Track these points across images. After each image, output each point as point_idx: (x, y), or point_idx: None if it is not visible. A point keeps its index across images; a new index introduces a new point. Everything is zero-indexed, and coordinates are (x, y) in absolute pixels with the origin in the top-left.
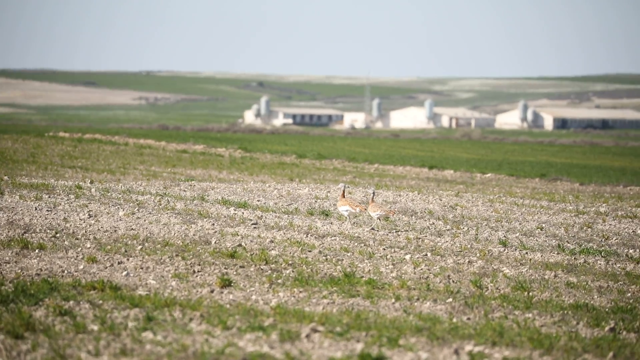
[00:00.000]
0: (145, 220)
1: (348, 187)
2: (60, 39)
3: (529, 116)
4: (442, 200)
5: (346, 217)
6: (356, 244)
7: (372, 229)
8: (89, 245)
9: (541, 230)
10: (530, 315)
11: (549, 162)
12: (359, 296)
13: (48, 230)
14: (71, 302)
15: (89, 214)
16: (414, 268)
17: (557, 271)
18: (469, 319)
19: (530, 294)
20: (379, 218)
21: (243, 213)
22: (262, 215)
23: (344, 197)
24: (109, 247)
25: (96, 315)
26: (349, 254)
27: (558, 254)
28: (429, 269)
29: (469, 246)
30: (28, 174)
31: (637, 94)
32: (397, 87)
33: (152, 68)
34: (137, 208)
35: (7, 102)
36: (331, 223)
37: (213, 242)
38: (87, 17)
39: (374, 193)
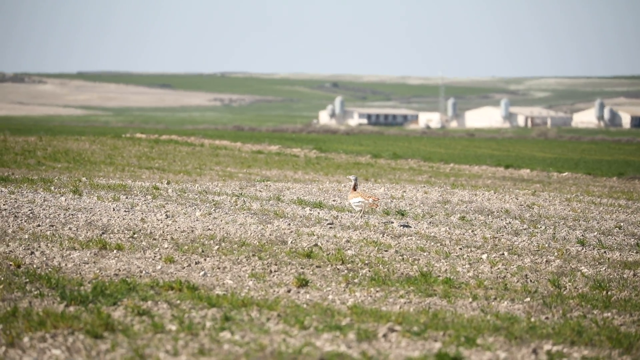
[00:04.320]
0: (221, 221)
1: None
2: (136, 42)
3: (606, 115)
4: (519, 199)
5: (358, 211)
6: (432, 243)
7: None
8: (166, 246)
9: (619, 229)
10: (609, 314)
11: (627, 160)
12: (435, 295)
13: (126, 231)
14: (149, 302)
15: (166, 215)
16: (491, 267)
17: (636, 270)
18: (547, 318)
19: (609, 293)
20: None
21: (319, 213)
22: (337, 215)
23: (355, 190)
24: (186, 247)
25: (174, 315)
26: (425, 254)
27: (637, 252)
28: (506, 269)
29: (546, 245)
30: (106, 175)
31: None
32: (472, 86)
33: (227, 69)
34: (213, 208)
35: (84, 105)
36: (407, 223)
37: (289, 242)
38: (163, 20)
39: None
